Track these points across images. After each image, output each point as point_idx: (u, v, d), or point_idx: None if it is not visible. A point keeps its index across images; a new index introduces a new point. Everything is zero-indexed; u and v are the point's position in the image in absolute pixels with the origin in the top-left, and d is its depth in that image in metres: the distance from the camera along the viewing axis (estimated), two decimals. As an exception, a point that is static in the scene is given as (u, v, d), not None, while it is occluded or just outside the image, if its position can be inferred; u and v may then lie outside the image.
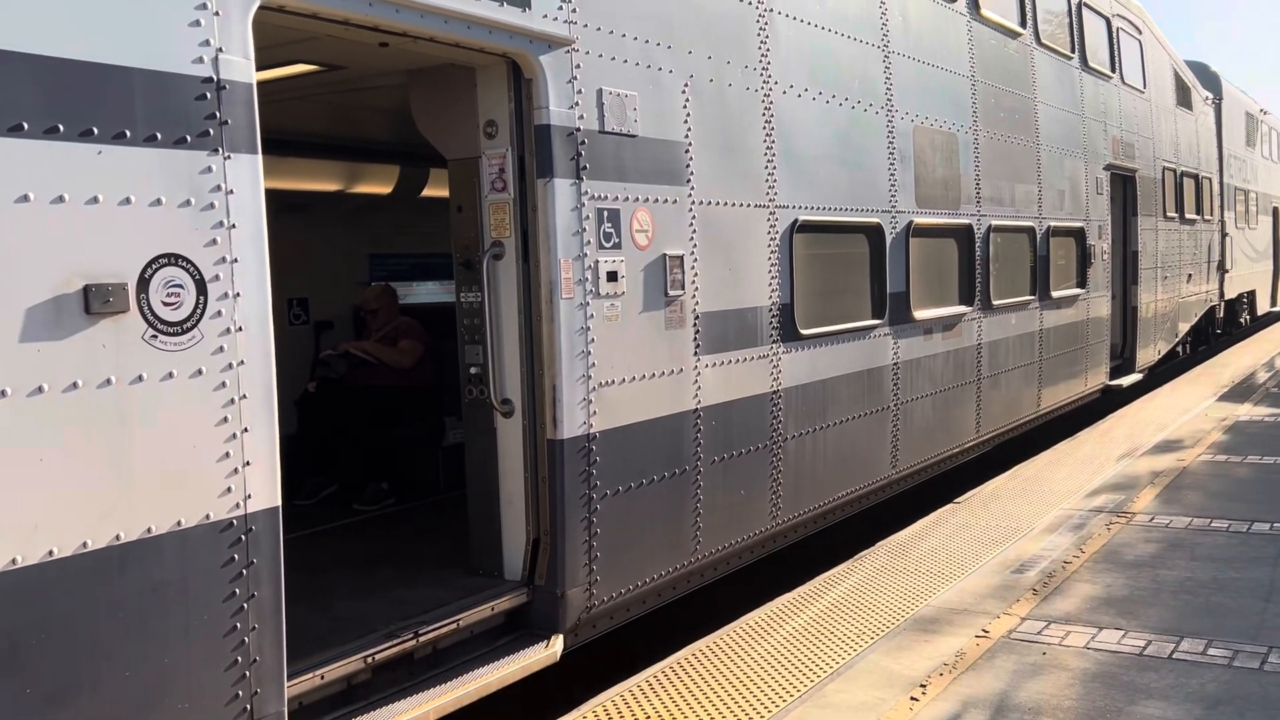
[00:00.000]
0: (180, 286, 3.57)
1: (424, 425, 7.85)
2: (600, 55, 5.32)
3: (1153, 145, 14.89)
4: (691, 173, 5.93)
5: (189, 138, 3.58)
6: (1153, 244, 14.82)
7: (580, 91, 5.20)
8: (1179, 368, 17.55)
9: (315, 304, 8.84)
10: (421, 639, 4.75)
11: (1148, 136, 14.64)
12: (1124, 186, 13.84)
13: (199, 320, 3.63)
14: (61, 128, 3.26)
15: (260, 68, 3.90)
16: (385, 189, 9.03)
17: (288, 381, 4.02)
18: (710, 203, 6.08)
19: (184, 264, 3.58)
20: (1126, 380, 13.76)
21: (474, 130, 5.24)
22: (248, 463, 3.77)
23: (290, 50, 5.21)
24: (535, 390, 5.22)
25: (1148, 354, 14.86)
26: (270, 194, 3.90)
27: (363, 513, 7.34)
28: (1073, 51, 11.84)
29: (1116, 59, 13.35)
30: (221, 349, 3.69)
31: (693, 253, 5.93)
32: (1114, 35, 13.28)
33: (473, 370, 5.40)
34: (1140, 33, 14.53)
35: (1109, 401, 13.53)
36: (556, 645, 5.18)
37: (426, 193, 9.15)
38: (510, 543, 5.36)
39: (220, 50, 3.68)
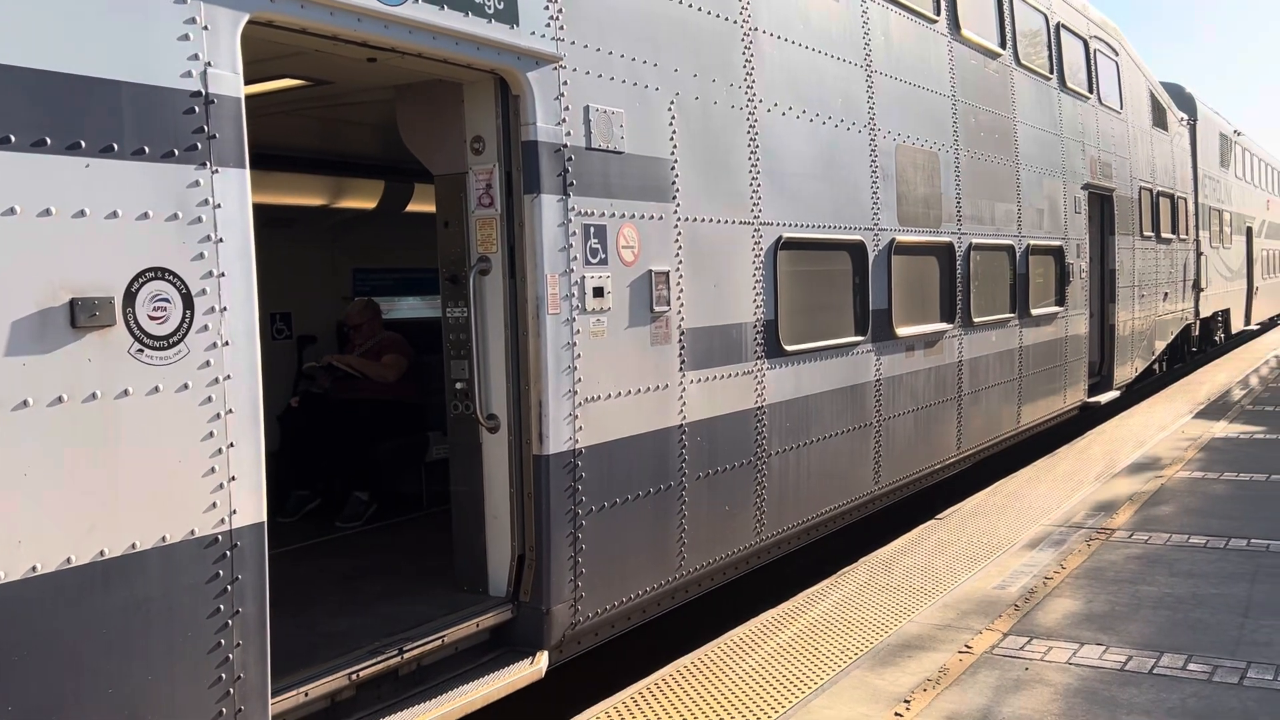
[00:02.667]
0: (167, 300, 3.56)
1: (407, 441, 7.83)
2: (587, 72, 5.34)
3: (1129, 165, 15.05)
4: (677, 189, 5.95)
5: (177, 151, 3.58)
6: (1130, 263, 14.97)
7: (567, 108, 5.22)
8: (1155, 385, 17.70)
9: (298, 318, 8.82)
10: (406, 656, 4.73)
11: (1124, 156, 14.79)
12: (1101, 206, 13.98)
13: (185, 334, 3.61)
14: (49, 140, 3.25)
15: (247, 81, 3.90)
16: (370, 204, 9.02)
17: (270, 397, 4.00)
18: (695, 219, 6.10)
19: (171, 278, 3.57)
20: (1104, 397, 13.87)
21: (461, 146, 5.25)
22: (233, 478, 3.75)
23: (277, 65, 5.20)
24: (521, 405, 5.22)
25: (1125, 371, 14.98)
26: (255, 208, 3.90)
27: (344, 529, 7.30)
28: (1051, 72, 11.97)
29: (1094, 80, 13.50)
30: (208, 363, 3.67)
31: (678, 269, 5.95)
32: (1091, 56, 13.44)
33: (458, 385, 5.39)
34: (1117, 54, 14.71)
35: (1087, 418, 13.63)
36: (541, 662, 5.17)
37: (411, 208, 9.14)
38: (495, 558, 5.34)
39: (209, 64, 3.68)
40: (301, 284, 8.75)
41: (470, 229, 5.28)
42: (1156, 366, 17.94)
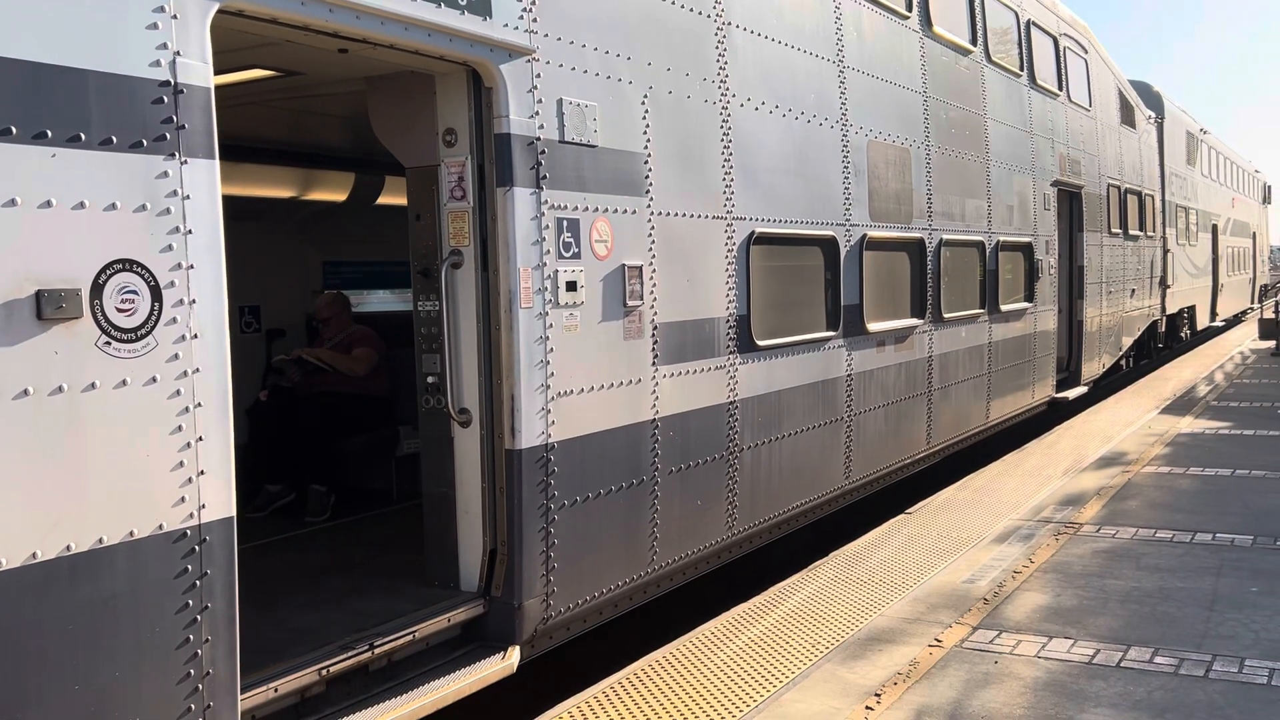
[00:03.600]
0: (135, 293, 3.52)
1: (378, 435, 7.78)
2: (561, 65, 5.32)
3: (1098, 162, 15.17)
4: (650, 184, 5.94)
5: (145, 142, 3.53)
6: (1097, 259, 15.11)
7: (540, 101, 5.20)
8: (1122, 381, 17.87)
9: (267, 311, 8.74)
10: (377, 651, 4.70)
11: (1093, 154, 14.92)
12: (1070, 202, 14.09)
13: (153, 327, 3.57)
14: (14, 130, 3.20)
15: (217, 72, 3.86)
16: (340, 196, 8.96)
17: (239, 390, 3.97)
18: (669, 214, 6.10)
19: (139, 270, 3.52)
20: (1072, 393, 13.99)
21: (433, 138, 5.22)
22: (202, 472, 3.72)
23: (247, 55, 5.15)
24: (493, 400, 5.19)
25: (1092, 367, 15.12)
26: (224, 200, 3.86)
27: (313, 524, 7.25)
28: (1022, 69, 12.05)
29: (1063, 77, 13.60)
30: (176, 356, 3.63)
31: (651, 263, 5.94)
32: (1061, 54, 13.54)
33: (430, 379, 5.37)
34: (1086, 52, 14.82)
35: (1055, 413, 13.74)
36: (513, 657, 5.15)
37: (381, 200, 9.09)
38: (467, 553, 5.32)
39: (178, 54, 3.63)
40: (271, 277, 8.68)
41: (442, 222, 5.25)
42: (1123, 362, 18.13)
